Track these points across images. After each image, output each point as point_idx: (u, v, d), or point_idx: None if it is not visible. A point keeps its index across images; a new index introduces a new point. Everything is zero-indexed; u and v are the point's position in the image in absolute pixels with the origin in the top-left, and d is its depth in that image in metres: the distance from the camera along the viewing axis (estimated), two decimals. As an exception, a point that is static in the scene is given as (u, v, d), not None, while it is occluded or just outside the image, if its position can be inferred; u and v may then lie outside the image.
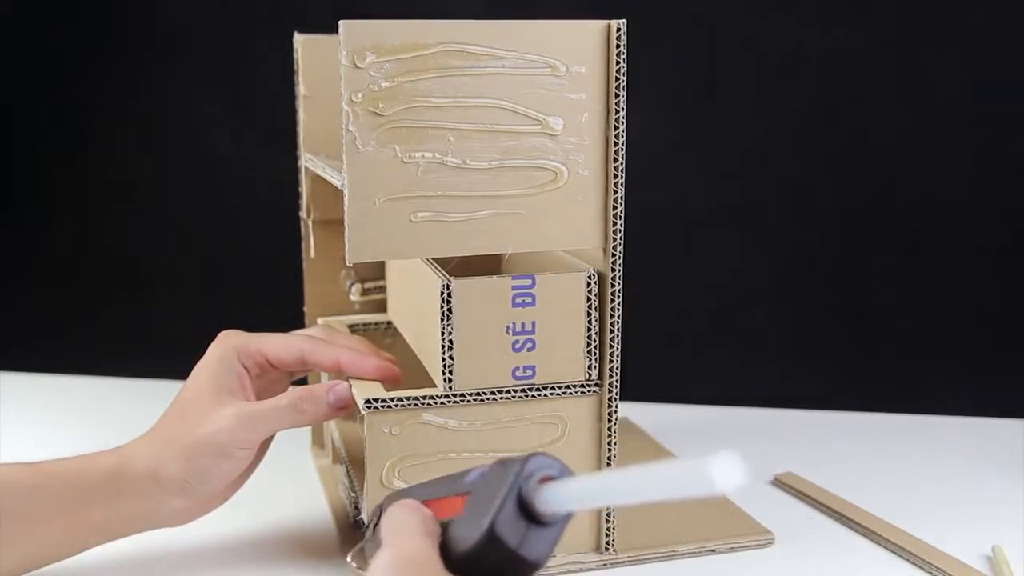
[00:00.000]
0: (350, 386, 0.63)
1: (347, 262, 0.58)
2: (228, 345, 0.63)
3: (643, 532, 0.67)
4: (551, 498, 0.38)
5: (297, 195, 0.80)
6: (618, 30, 0.58)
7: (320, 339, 0.65)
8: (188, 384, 0.63)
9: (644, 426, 0.89)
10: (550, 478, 0.39)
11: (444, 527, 0.42)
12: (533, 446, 0.62)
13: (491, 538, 0.38)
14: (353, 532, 0.68)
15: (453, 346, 0.59)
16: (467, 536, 0.39)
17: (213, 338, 0.65)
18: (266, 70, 0.95)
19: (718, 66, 0.96)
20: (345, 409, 0.63)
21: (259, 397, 0.63)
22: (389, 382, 0.63)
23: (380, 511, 0.49)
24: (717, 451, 0.32)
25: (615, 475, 0.36)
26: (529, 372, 0.61)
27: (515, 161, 0.58)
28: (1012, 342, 0.95)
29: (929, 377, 0.96)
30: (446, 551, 0.40)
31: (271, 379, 0.65)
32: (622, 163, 0.60)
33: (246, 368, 0.63)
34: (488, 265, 0.71)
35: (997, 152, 0.93)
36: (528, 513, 0.38)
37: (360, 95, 0.56)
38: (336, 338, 0.67)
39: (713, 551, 0.66)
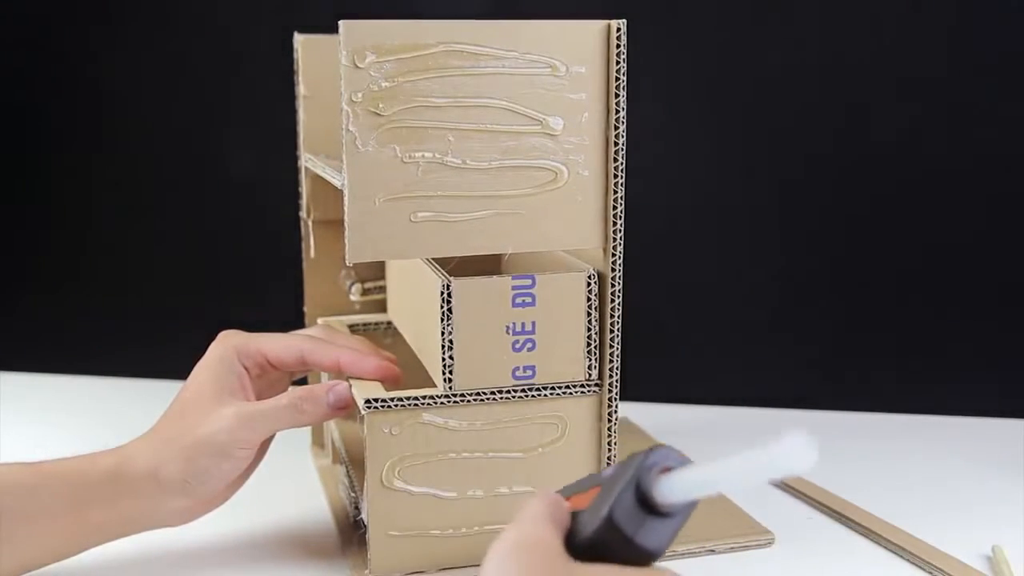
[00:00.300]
0: (350, 386, 0.63)
1: (347, 262, 0.58)
2: (228, 345, 0.63)
3: (643, 532, 0.67)
4: (667, 488, 0.38)
5: (297, 195, 0.80)
6: (618, 30, 0.58)
7: (320, 339, 0.65)
8: (188, 384, 0.63)
9: (644, 426, 0.89)
10: (670, 469, 0.40)
11: (574, 517, 0.42)
12: (533, 446, 0.62)
13: (609, 526, 0.39)
14: (353, 532, 0.68)
15: (453, 346, 0.59)
16: (589, 524, 0.40)
17: (213, 338, 0.65)
18: (266, 70, 0.95)
19: (718, 66, 0.96)
20: (345, 409, 0.63)
21: (259, 397, 0.63)
22: (389, 382, 0.63)
23: None
24: (791, 434, 0.33)
25: (723, 464, 0.37)
26: (529, 372, 0.61)
27: (515, 161, 0.58)
28: (1012, 342, 0.95)
29: (929, 377, 0.96)
30: (572, 539, 0.41)
31: (271, 379, 0.65)
32: (622, 163, 0.60)
33: (246, 368, 0.63)
34: (488, 265, 0.71)
35: (998, 152, 0.93)
36: (647, 503, 0.39)
37: (360, 95, 0.56)
38: (336, 338, 0.67)
39: (713, 551, 0.66)
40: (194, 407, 0.61)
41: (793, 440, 0.33)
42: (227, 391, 0.61)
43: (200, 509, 0.62)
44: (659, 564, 0.40)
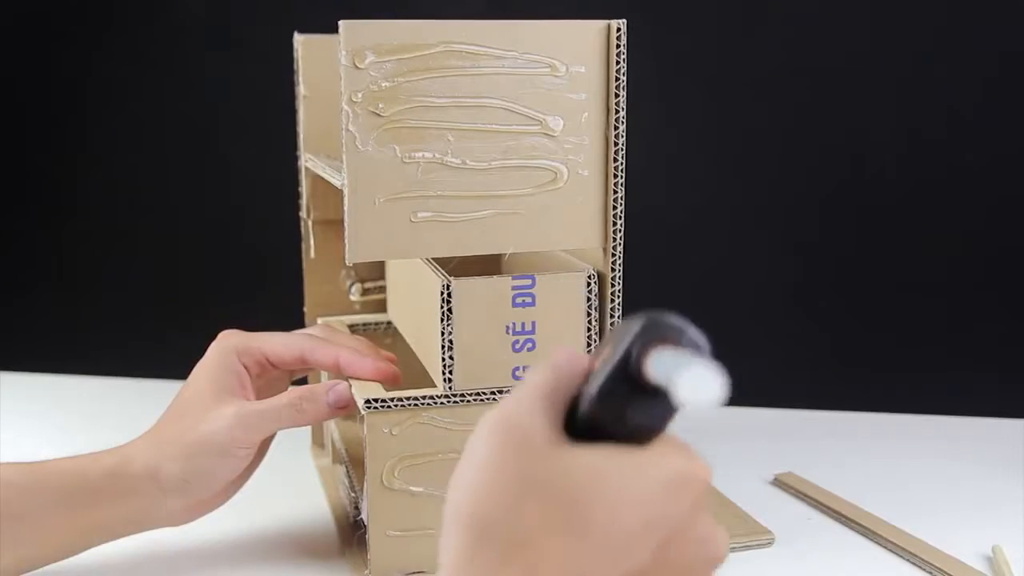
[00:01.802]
0: (350, 386, 0.63)
1: (347, 262, 0.58)
2: (228, 345, 0.63)
3: (643, 532, 0.67)
4: (657, 366, 0.35)
5: (297, 195, 0.80)
6: (618, 30, 0.58)
7: (320, 338, 0.65)
8: (188, 384, 0.62)
9: (644, 426, 0.88)
10: (666, 341, 0.36)
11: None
12: (533, 446, 0.62)
13: (599, 403, 0.37)
14: (353, 532, 0.68)
15: (453, 346, 0.59)
16: (584, 399, 0.38)
17: (213, 338, 0.65)
18: (266, 70, 0.95)
19: (718, 65, 0.96)
20: (345, 409, 0.62)
21: (259, 397, 0.63)
22: (388, 383, 0.63)
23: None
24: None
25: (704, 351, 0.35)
26: (529, 372, 0.61)
27: (515, 161, 0.58)
28: (1013, 342, 0.95)
29: (929, 377, 0.96)
30: (575, 414, 0.38)
31: (271, 378, 0.65)
32: (622, 163, 0.60)
33: (246, 368, 0.63)
34: (488, 265, 0.71)
35: (998, 152, 0.93)
36: (638, 379, 0.36)
37: (360, 95, 0.56)
38: (336, 338, 0.67)
39: (713, 551, 0.66)
40: (194, 407, 0.61)
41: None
42: (227, 391, 0.61)
43: (200, 509, 0.62)
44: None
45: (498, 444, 0.36)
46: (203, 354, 0.64)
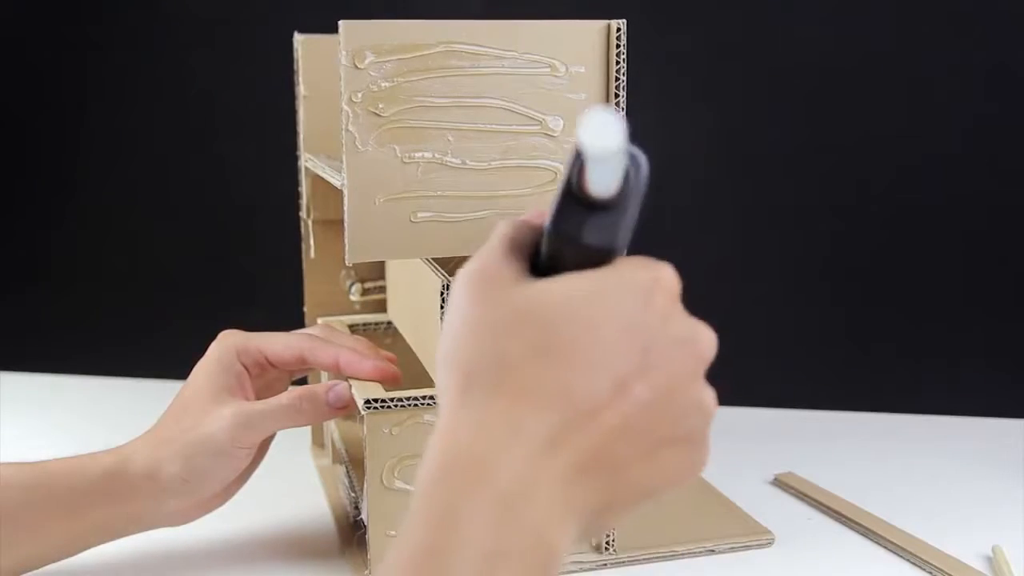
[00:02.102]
0: (350, 386, 0.63)
1: (347, 262, 0.58)
2: (228, 345, 0.63)
3: (643, 532, 0.67)
4: (590, 178, 0.36)
5: (297, 195, 0.80)
6: (618, 30, 0.58)
7: (320, 338, 0.65)
8: (188, 384, 0.63)
9: (644, 426, 0.88)
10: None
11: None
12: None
13: (554, 235, 0.38)
14: (353, 532, 0.68)
15: (453, 346, 0.59)
16: (544, 236, 0.39)
17: (213, 338, 0.65)
18: (266, 70, 0.95)
19: (718, 65, 0.96)
20: (345, 409, 0.62)
21: (259, 397, 0.63)
22: (388, 383, 0.63)
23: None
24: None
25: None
26: (529, 372, 0.61)
27: (515, 161, 0.58)
28: (1013, 342, 0.95)
29: (929, 377, 0.96)
30: (539, 257, 0.39)
31: (271, 379, 0.65)
32: (622, 163, 0.60)
33: (246, 368, 0.63)
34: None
35: (999, 152, 0.93)
36: (583, 199, 0.37)
37: (360, 95, 0.56)
38: (336, 338, 0.67)
39: (713, 551, 0.66)
40: (193, 407, 0.61)
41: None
42: (226, 391, 0.61)
43: (200, 509, 0.62)
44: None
45: (470, 292, 0.38)
46: (203, 354, 0.64)
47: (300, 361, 0.64)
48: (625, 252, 0.38)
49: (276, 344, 0.64)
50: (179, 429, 0.60)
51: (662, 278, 0.38)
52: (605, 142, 0.33)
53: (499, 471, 0.34)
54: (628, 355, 0.36)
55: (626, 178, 0.37)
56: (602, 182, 0.36)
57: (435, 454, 0.35)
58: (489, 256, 0.39)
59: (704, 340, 0.38)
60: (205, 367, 0.63)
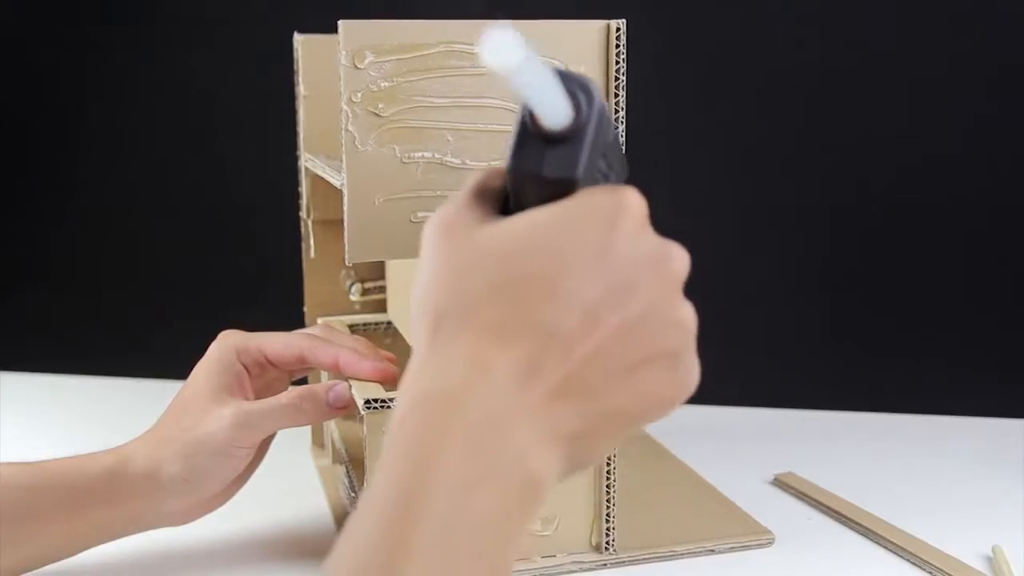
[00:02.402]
0: (350, 386, 0.62)
1: (347, 262, 0.58)
2: (228, 344, 0.63)
3: (643, 532, 0.67)
4: (538, 110, 0.36)
5: (297, 195, 0.80)
6: (618, 30, 0.58)
7: (320, 338, 0.65)
8: (188, 383, 0.62)
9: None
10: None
11: None
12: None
13: (515, 175, 0.38)
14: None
15: (453, 346, 0.59)
16: (506, 177, 0.39)
17: (213, 338, 0.65)
18: (266, 70, 0.95)
19: (718, 65, 0.96)
20: (345, 409, 0.62)
21: (259, 396, 0.63)
22: (388, 383, 0.63)
23: None
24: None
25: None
26: (529, 372, 0.61)
27: (515, 161, 0.58)
28: (1012, 342, 0.95)
29: (929, 377, 0.96)
30: (509, 202, 0.39)
31: (271, 379, 0.65)
32: (622, 163, 0.60)
33: (246, 367, 0.63)
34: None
35: (999, 152, 0.93)
36: (538, 134, 0.37)
37: (359, 95, 0.56)
38: (336, 337, 0.67)
39: (713, 551, 0.66)
40: (193, 406, 0.61)
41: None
42: (226, 390, 0.61)
43: (200, 509, 0.62)
44: None
45: (433, 242, 0.38)
46: (203, 354, 0.64)
47: (300, 361, 0.64)
48: (599, 184, 0.38)
49: (276, 344, 0.64)
50: (179, 429, 0.60)
51: (626, 201, 0.37)
52: (506, 57, 0.33)
53: (468, 405, 0.33)
54: (595, 282, 0.35)
55: (577, 108, 0.37)
56: (551, 113, 0.36)
57: (404, 397, 0.35)
58: (452, 204, 0.39)
59: (676, 258, 0.38)
60: (205, 367, 0.63)
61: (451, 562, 0.32)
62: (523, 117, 0.37)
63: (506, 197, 0.39)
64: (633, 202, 0.37)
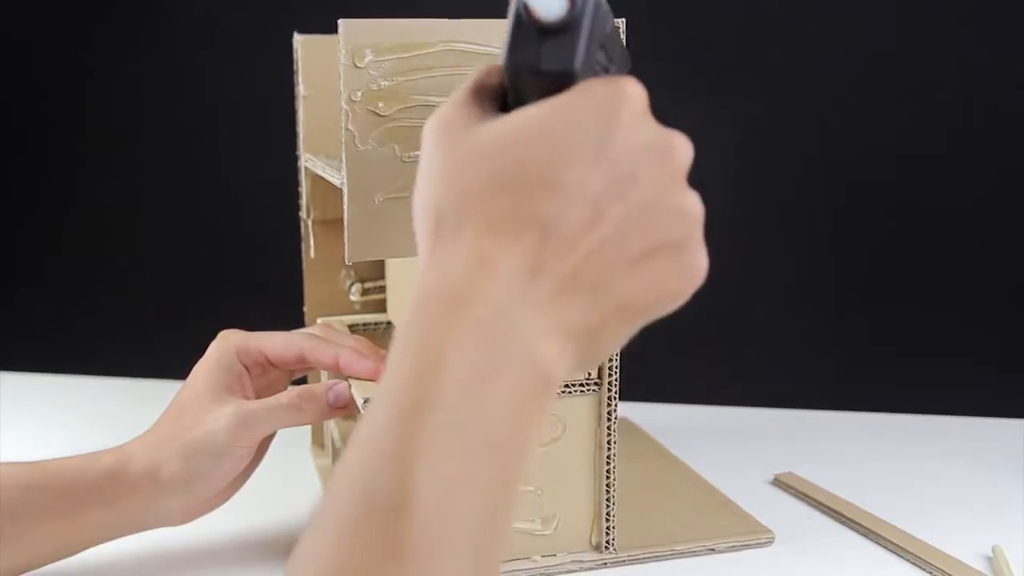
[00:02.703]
0: (350, 386, 0.62)
1: (347, 262, 0.58)
2: (228, 344, 0.63)
3: (643, 532, 0.67)
4: (532, 2, 0.36)
5: (297, 195, 0.80)
6: (617, 29, 0.58)
7: (320, 338, 0.65)
8: (188, 383, 0.63)
9: (644, 426, 0.89)
10: None
11: None
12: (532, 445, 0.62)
13: (512, 69, 0.37)
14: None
15: (453, 345, 0.59)
16: (504, 72, 0.38)
17: (213, 338, 0.65)
18: (266, 70, 0.95)
19: (718, 65, 0.96)
20: (345, 408, 0.62)
21: (259, 396, 0.63)
22: (374, 377, 0.63)
23: None
24: None
25: None
26: (529, 372, 0.61)
27: (515, 160, 0.58)
28: (1012, 342, 0.95)
29: (929, 377, 0.96)
30: (508, 98, 0.39)
31: (271, 378, 0.65)
32: (622, 162, 0.60)
33: (246, 367, 0.63)
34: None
35: (1000, 153, 0.93)
36: (534, 25, 0.36)
37: (359, 94, 0.56)
38: (336, 337, 0.67)
39: (713, 551, 0.66)
40: (193, 406, 0.61)
41: None
42: (226, 390, 0.61)
43: (200, 509, 0.62)
44: None
45: (432, 141, 0.38)
46: (203, 354, 0.64)
47: (300, 360, 0.64)
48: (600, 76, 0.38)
49: (276, 343, 0.64)
50: (179, 428, 0.60)
51: (626, 91, 0.37)
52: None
53: (474, 302, 0.33)
54: (596, 173, 0.35)
55: None
56: (545, 3, 0.35)
57: (411, 301, 0.35)
58: (450, 104, 0.38)
59: (678, 148, 0.38)
60: (205, 367, 0.63)
61: (462, 455, 0.31)
62: (518, 9, 0.37)
63: (505, 94, 0.39)
64: (633, 92, 0.37)
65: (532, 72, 0.37)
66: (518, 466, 0.33)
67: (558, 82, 0.37)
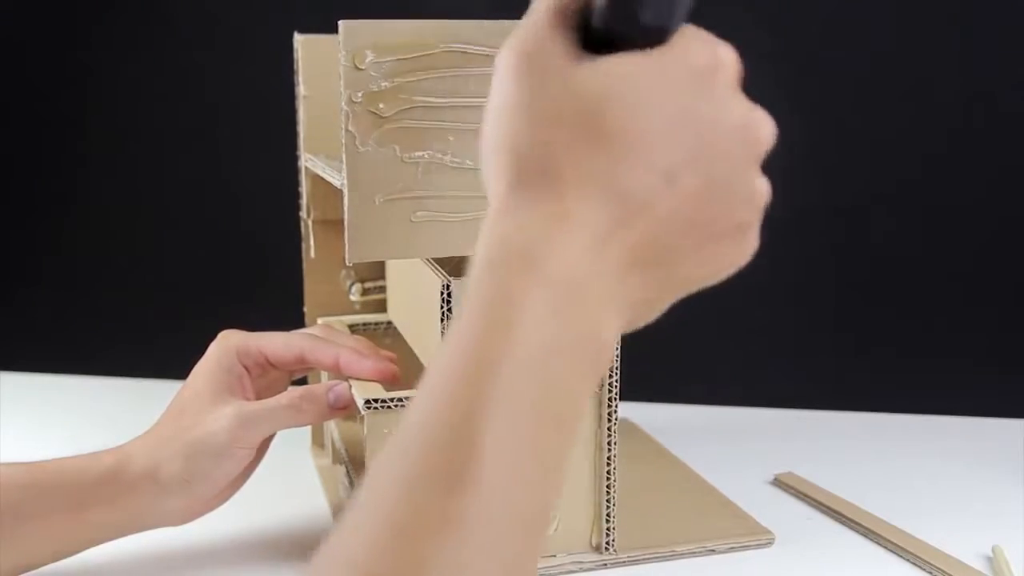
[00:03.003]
0: (350, 386, 0.62)
1: (347, 262, 0.58)
2: (228, 345, 0.63)
3: (643, 532, 0.67)
4: None
5: (297, 195, 0.80)
6: (618, 30, 0.58)
7: (320, 338, 0.65)
8: (188, 383, 0.63)
9: (644, 426, 0.89)
10: None
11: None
12: (533, 446, 0.62)
13: (608, 11, 0.35)
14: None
15: (453, 346, 0.59)
16: (596, 8, 0.36)
17: (213, 338, 0.65)
18: (266, 70, 0.95)
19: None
20: (345, 409, 0.63)
21: (259, 396, 0.63)
22: (388, 382, 0.63)
23: None
24: None
25: None
26: (529, 372, 0.61)
27: (515, 161, 0.58)
28: (1012, 342, 0.95)
29: (929, 377, 0.96)
30: (591, 26, 0.36)
31: (271, 379, 0.65)
32: (622, 163, 0.60)
33: (246, 368, 0.63)
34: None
35: (1000, 153, 0.93)
36: None
37: (360, 95, 0.56)
38: (336, 337, 0.67)
39: (713, 551, 0.66)
40: (193, 406, 0.61)
41: None
42: (226, 390, 0.61)
43: (200, 508, 0.62)
44: None
45: (516, 76, 0.36)
46: (203, 354, 0.64)
47: (300, 361, 0.64)
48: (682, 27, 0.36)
49: (276, 344, 0.64)
50: (179, 428, 0.60)
51: (722, 60, 0.36)
52: None
53: (550, 262, 0.33)
54: (680, 143, 0.34)
55: None
56: None
57: (483, 250, 0.34)
58: (534, 30, 0.36)
59: (763, 127, 0.37)
60: (205, 367, 0.63)
61: (525, 423, 0.31)
62: None
63: (586, 20, 0.37)
64: (728, 61, 0.37)
65: (629, 22, 0.35)
66: (574, 427, 0.33)
67: (654, 36, 0.35)
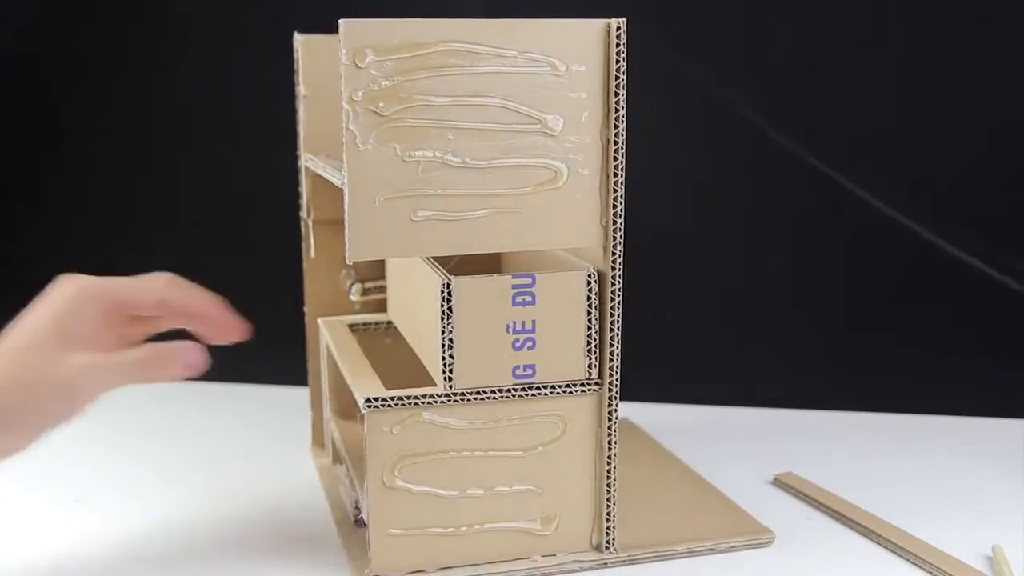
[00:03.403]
0: (204, 348, 0.61)
1: (347, 261, 0.58)
2: (79, 288, 0.61)
3: (643, 532, 0.67)
4: None
5: (297, 195, 0.80)
6: (618, 29, 0.58)
7: (178, 281, 0.64)
8: (35, 321, 0.60)
9: (644, 426, 0.89)
10: None
11: None
12: (533, 445, 0.62)
13: None
14: (353, 532, 0.67)
15: (453, 345, 0.59)
16: None
17: (212, 338, 0.64)
18: (266, 70, 0.95)
19: (719, 65, 0.96)
20: (195, 369, 0.60)
21: (110, 349, 0.61)
22: (240, 337, 0.62)
23: None
24: None
25: None
26: (529, 371, 0.61)
27: (515, 160, 0.58)
28: (1012, 342, 0.95)
29: (929, 377, 0.96)
30: None
31: (125, 332, 0.63)
32: (622, 162, 0.60)
33: (98, 314, 0.61)
34: (488, 264, 0.71)
35: (1003, 153, 0.93)
36: None
37: (360, 94, 0.56)
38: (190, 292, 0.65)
39: (713, 551, 0.66)
40: (40, 348, 0.58)
41: None
42: (74, 338, 0.59)
43: (24, 446, 0.59)
44: None
45: None
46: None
47: (159, 304, 0.63)
48: None
49: (132, 287, 0.63)
50: (21, 367, 0.57)
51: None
52: None
53: None
54: None
55: None
56: None
57: None
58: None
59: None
60: (51, 308, 0.60)
61: None
62: None
63: None
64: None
65: None
66: None
67: None
